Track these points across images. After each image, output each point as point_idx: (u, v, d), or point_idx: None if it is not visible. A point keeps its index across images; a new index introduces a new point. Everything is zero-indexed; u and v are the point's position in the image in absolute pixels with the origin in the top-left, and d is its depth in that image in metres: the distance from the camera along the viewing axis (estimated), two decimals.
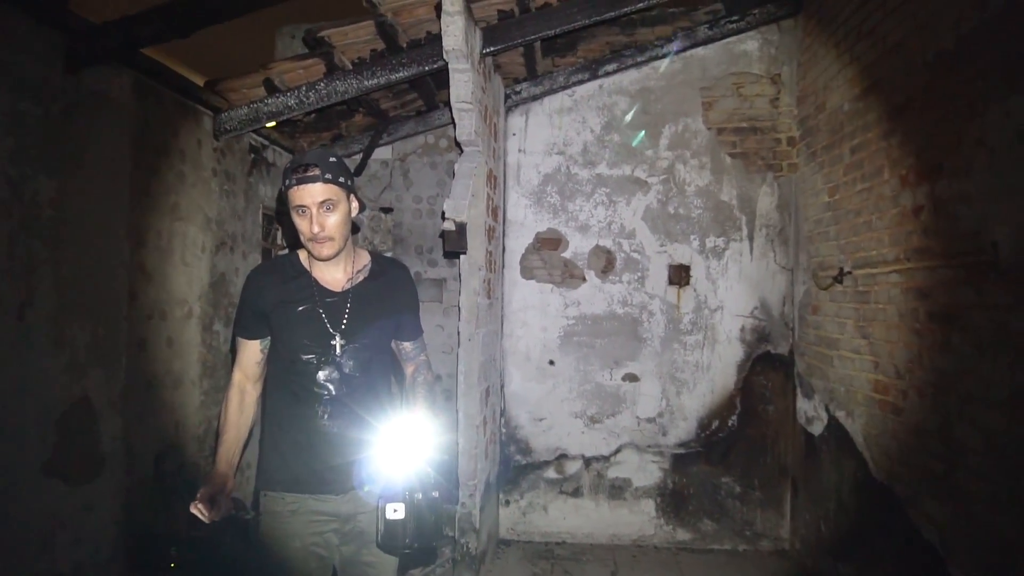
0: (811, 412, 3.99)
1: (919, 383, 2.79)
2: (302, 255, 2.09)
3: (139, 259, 3.06)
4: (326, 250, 1.96)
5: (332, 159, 1.94)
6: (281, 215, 4.55)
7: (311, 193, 1.89)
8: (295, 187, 1.90)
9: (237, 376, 2.09)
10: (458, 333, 3.59)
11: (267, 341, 2.08)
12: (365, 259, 2.15)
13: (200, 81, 3.53)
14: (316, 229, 1.91)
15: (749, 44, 4.39)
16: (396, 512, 1.78)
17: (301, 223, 1.94)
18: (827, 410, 3.75)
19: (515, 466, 4.52)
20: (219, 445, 2.02)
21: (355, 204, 2.03)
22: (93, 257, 2.79)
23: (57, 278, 2.58)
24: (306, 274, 2.06)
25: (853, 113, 3.43)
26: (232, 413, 2.05)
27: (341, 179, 1.93)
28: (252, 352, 2.08)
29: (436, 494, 1.84)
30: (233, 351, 2.18)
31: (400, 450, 1.87)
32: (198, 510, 1.79)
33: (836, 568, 3.56)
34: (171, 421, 3.32)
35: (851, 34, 3.43)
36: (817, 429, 3.89)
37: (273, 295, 2.02)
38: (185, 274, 3.41)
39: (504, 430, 4.53)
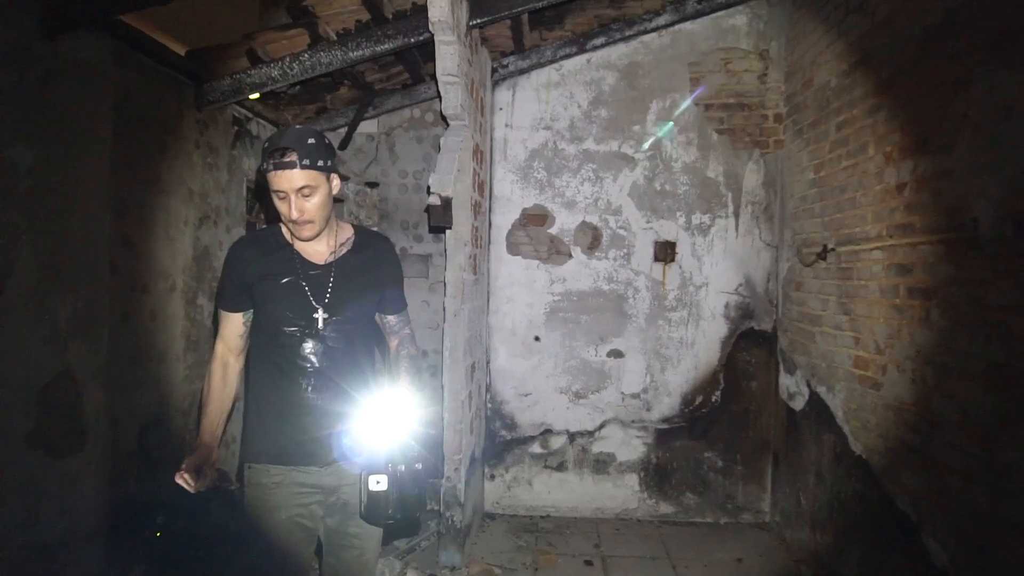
0: (793, 387, 4.04)
1: (898, 358, 2.83)
2: (284, 227, 2.08)
3: (121, 231, 3.02)
4: (307, 232, 1.97)
5: (311, 140, 1.90)
6: (261, 189, 4.51)
7: (288, 179, 1.87)
8: (272, 172, 1.88)
9: (220, 348, 2.09)
10: (444, 309, 3.59)
11: (250, 314, 2.08)
12: (348, 232, 2.14)
13: (182, 50, 3.47)
14: (296, 214, 1.91)
15: (738, 19, 4.37)
16: (379, 484, 1.81)
17: (281, 206, 1.93)
18: (808, 385, 3.80)
19: (500, 441, 4.55)
20: (203, 417, 2.03)
21: (336, 182, 2.01)
22: (74, 228, 2.75)
23: (37, 249, 2.55)
24: (288, 247, 2.05)
25: (840, 89, 3.43)
26: (215, 385, 2.06)
27: (320, 163, 1.90)
28: (235, 325, 2.08)
29: (419, 466, 1.86)
30: (216, 324, 2.19)
31: (383, 422, 1.89)
32: (183, 480, 1.81)
33: (814, 539, 3.63)
34: (155, 394, 3.31)
35: (840, 8, 3.42)
36: (799, 404, 3.94)
37: (256, 268, 2.01)
38: (168, 247, 3.38)
39: (490, 405, 4.55)
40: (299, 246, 2.05)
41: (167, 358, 3.39)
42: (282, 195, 1.90)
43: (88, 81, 2.81)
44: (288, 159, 1.85)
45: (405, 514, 1.85)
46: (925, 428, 2.60)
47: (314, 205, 1.92)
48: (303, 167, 1.86)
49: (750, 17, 4.36)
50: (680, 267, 4.46)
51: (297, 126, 1.94)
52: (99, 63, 2.87)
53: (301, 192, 1.89)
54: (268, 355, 2.04)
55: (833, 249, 3.47)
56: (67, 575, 2.71)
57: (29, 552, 2.53)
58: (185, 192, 3.50)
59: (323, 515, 2.08)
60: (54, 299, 2.64)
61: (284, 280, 2.00)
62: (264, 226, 4.52)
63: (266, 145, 1.92)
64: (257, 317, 2.07)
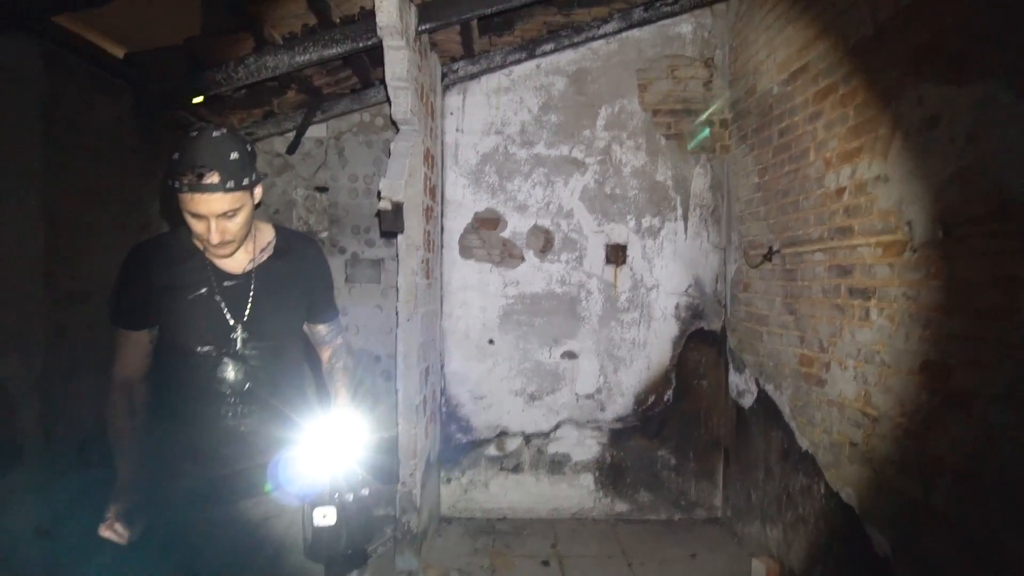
0: (742, 386, 4.14)
1: (840, 356, 2.92)
2: None
3: (54, 241, 2.91)
4: (226, 251, 1.74)
5: (233, 155, 1.62)
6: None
7: (208, 203, 1.60)
8: (187, 194, 1.59)
9: (120, 373, 1.78)
10: (397, 313, 3.56)
11: (155, 330, 1.78)
12: (269, 235, 1.89)
13: (120, 53, 3.36)
14: (216, 238, 1.65)
15: (683, 27, 4.46)
16: (325, 517, 1.65)
17: (196, 226, 1.66)
18: (757, 383, 3.90)
19: (456, 444, 4.54)
20: (117, 456, 1.72)
21: (258, 192, 1.75)
22: (4, 238, 2.64)
23: None
24: (199, 254, 1.78)
25: (781, 96, 3.53)
26: (122, 420, 1.75)
27: (245, 181, 1.65)
28: (139, 344, 1.78)
29: (366, 492, 1.72)
30: (114, 345, 1.82)
31: (324, 448, 1.73)
32: (113, 531, 1.56)
33: (764, 532, 3.73)
34: (96, 407, 3.19)
35: (780, 19, 3.52)
36: (747, 402, 4.04)
37: (160, 278, 1.74)
38: (107, 257, 3.26)
39: (445, 409, 4.54)
40: (211, 253, 1.78)
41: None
42: (200, 218, 1.63)
43: (15, 85, 2.70)
44: (208, 181, 1.57)
45: (355, 548, 1.69)
46: (865, 423, 2.70)
47: (237, 225, 1.68)
48: (227, 190, 1.60)
49: (695, 26, 4.45)
50: (631, 269, 4.52)
51: (215, 132, 1.62)
52: (27, 66, 2.76)
53: (224, 216, 1.64)
54: (177, 379, 1.78)
55: (778, 251, 3.57)
56: None
57: None
58: (123, 199, 3.39)
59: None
60: None
61: (195, 294, 1.75)
62: None
63: (175, 157, 1.59)
64: (163, 335, 1.78)
